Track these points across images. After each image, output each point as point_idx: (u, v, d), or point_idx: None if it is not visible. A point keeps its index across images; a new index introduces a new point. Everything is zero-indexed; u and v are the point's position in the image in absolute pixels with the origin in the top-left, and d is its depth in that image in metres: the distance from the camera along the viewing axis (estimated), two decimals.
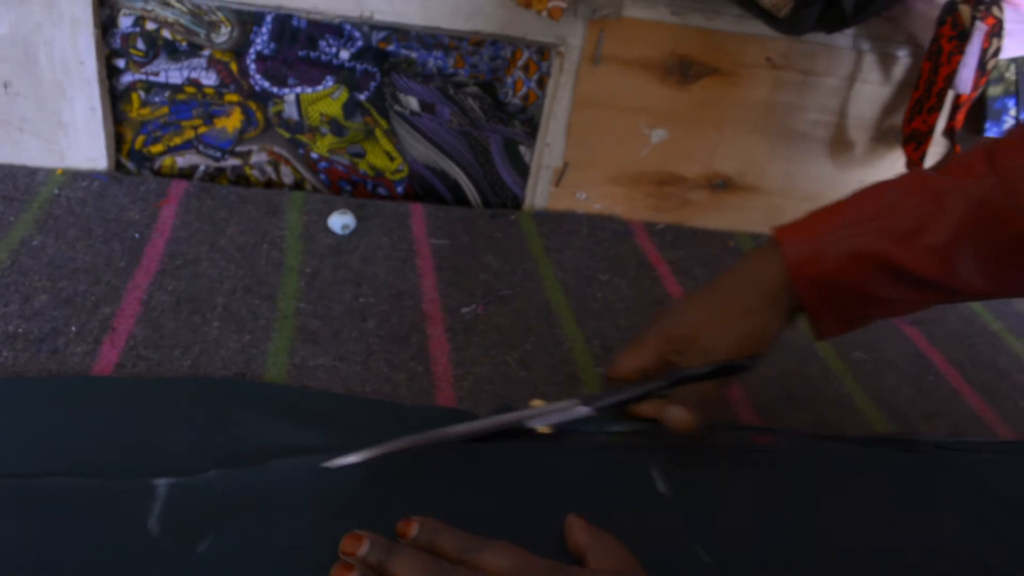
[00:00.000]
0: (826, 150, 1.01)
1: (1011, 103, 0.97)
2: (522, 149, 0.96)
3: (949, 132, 0.94)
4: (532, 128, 0.95)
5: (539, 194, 0.98)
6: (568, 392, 0.68)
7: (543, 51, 0.90)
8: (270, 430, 0.57)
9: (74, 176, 0.86)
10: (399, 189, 0.97)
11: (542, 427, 0.60)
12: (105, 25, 0.84)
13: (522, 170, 0.97)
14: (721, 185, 1.00)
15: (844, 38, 0.94)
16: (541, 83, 0.92)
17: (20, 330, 0.63)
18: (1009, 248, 0.55)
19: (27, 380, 0.59)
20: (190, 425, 0.57)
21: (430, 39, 0.88)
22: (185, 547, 0.48)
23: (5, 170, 0.84)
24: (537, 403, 0.62)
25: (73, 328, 0.65)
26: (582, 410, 0.60)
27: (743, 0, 0.82)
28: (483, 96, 0.92)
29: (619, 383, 0.62)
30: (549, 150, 0.95)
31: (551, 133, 0.93)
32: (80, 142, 0.87)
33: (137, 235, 0.78)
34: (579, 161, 0.96)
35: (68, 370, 0.61)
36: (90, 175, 0.86)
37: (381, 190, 0.97)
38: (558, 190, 0.98)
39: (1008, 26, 0.85)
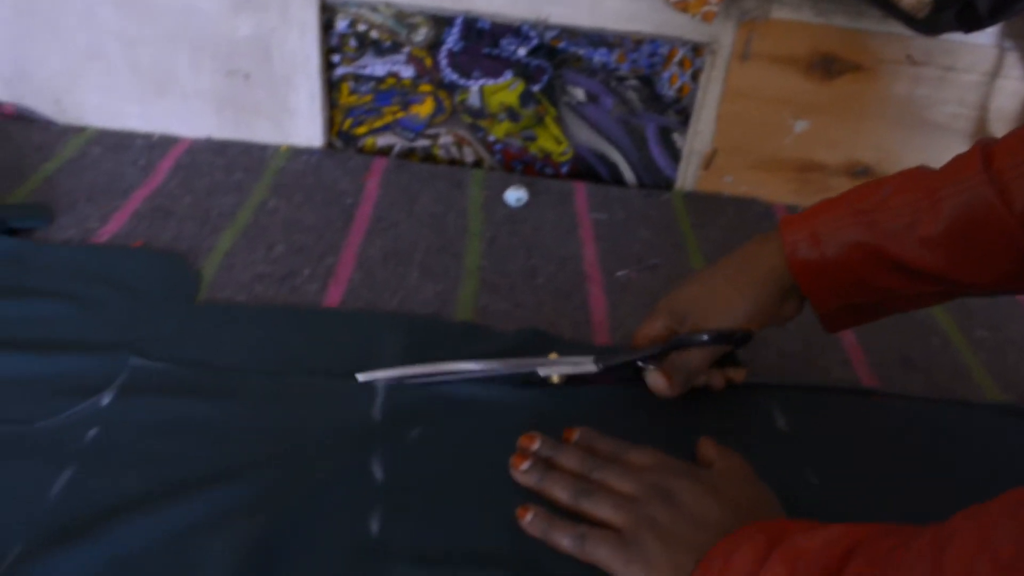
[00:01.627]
0: (965, 142, 1.07)
1: None
2: (675, 136, 1.07)
3: None
4: (685, 117, 1.06)
5: (689, 177, 1.08)
6: None
7: (697, 49, 1.01)
8: (459, 355, 0.71)
9: (296, 152, 1.03)
10: (564, 169, 1.10)
11: (555, 376, 0.68)
12: (325, 27, 1.01)
13: (674, 155, 1.08)
14: (862, 172, 1.08)
15: (986, 35, 1.00)
16: (695, 77, 1.03)
17: (266, 271, 0.80)
18: (1003, 248, 0.56)
19: (276, 308, 0.75)
20: (397, 349, 0.71)
21: (596, 38, 1.01)
22: (401, 432, 0.63)
23: (244, 146, 1.03)
24: (553, 356, 0.69)
25: (306, 271, 0.81)
26: (590, 366, 0.67)
27: (883, 3, 0.90)
28: (642, 88, 1.04)
29: (635, 348, 0.69)
30: (700, 137, 1.05)
31: (702, 122, 1.04)
32: (301, 124, 1.04)
33: (349, 201, 0.94)
34: (727, 148, 1.06)
35: (304, 303, 0.77)
36: (308, 151, 1.04)
37: (548, 170, 1.10)
38: (707, 173, 1.08)
39: None
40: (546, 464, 0.60)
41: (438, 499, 0.58)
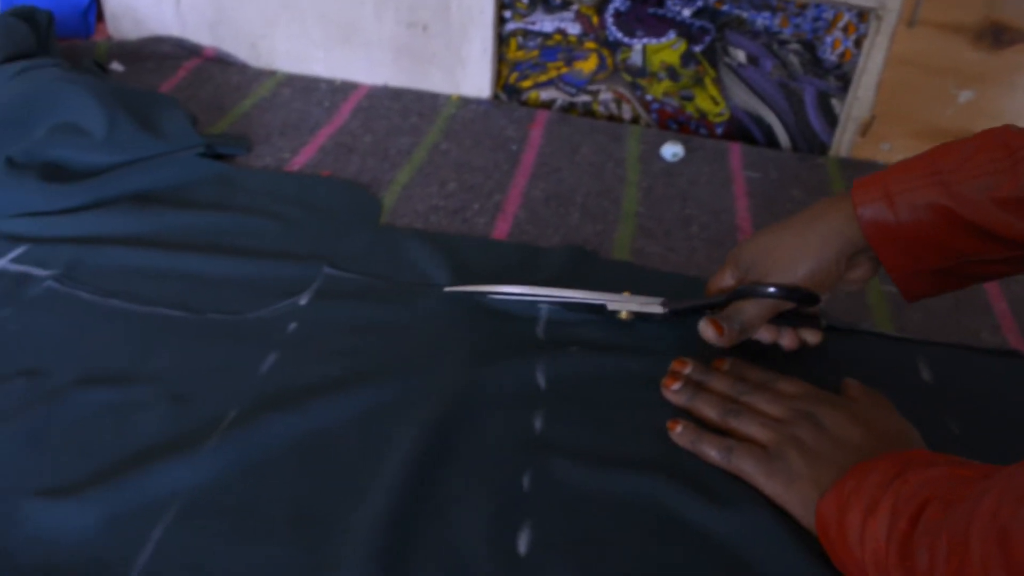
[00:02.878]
0: None
1: None
2: (833, 101, 1.08)
3: None
4: (844, 83, 1.07)
5: (845, 143, 1.09)
6: (858, 303, 0.81)
7: (862, 14, 1.02)
8: (614, 288, 0.76)
9: (465, 101, 1.10)
10: (718, 131, 1.13)
11: (624, 313, 0.71)
12: None
13: (831, 120, 1.09)
14: None
15: None
16: (858, 43, 1.04)
17: (440, 204, 0.87)
18: None
19: (449, 235, 0.82)
20: (560, 278, 0.77)
21: (760, 1, 1.03)
22: (561, 349, 0.68)
23: (419, 94, 1.10)
24: (626, 293, 0.72)
25: (476, 206, 0.88)
26: (657, 308, 0.70)
27: None
28: (803, 52, 1.06)
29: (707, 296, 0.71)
30: (859, 103, 1.06)
31: (862, 88, 1.05)
32: (472, 75, 1.11)
33: (514, 147, 1.00)
34: (886, 115, 1.06)
35: (475, 234, 0.83)
36: (476, 101, 1.10)
37: (703, 131, 1.13)
38: (863, 140, 1.09)
39: None
40: (696, 387, 0.65)
41: (593, 407, 0.64)
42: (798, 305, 0.65)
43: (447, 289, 0.74)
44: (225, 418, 0.59)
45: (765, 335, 0.68)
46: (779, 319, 0.67)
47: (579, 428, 0.62)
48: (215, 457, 0.56)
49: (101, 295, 0.70)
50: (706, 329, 0.65)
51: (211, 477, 0.55)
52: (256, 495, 0.54)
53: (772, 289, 0.63)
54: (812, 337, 0.69)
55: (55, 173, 0.81)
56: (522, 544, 0.53)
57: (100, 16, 1.20)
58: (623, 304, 0.71)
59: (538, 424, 0.61)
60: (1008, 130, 0.57)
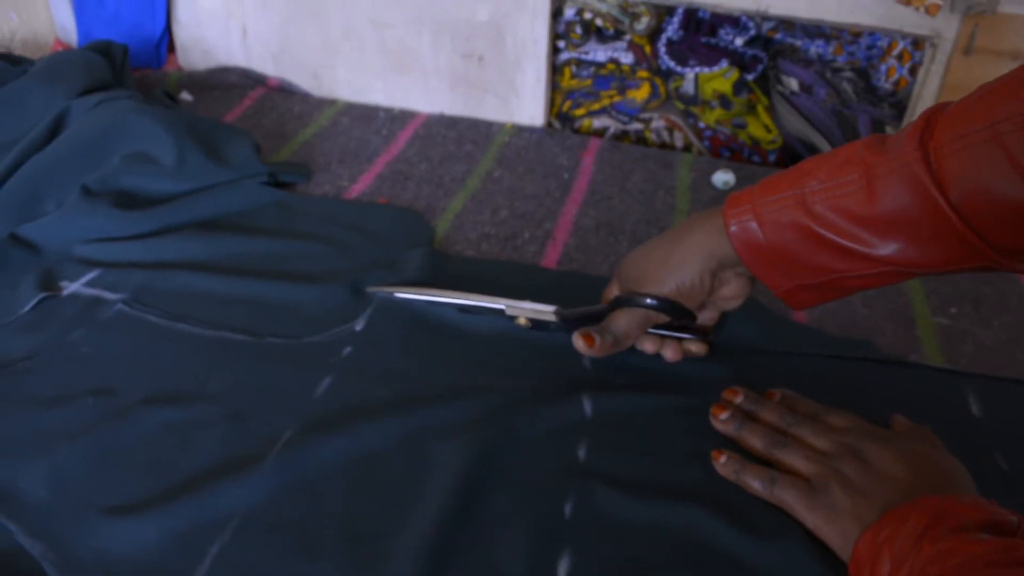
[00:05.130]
0: None
1: None
2: (888, 129, 1.08)
3: None
4: (899, 111, 1.06)
5: None
6: (907, 334, 0.81)
7: (917, 42, 1.01)
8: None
9: (519, 129, 1.12)
10: (771, 158, 1.13)
11: (522, 319, 0.72)
12: (554, 14, 1.09)
13: None
14: None
15: None
16: (912, 71, 1.03)
17: (492, 232, 0.90)
18: (942, 232, 0.52)
19: (500, 262, 0.84)
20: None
21: (814, 29, 1.03)
22: (609, 379, 0.69)
23: (474, 122, 1.13)
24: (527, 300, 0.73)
25: (526, 234, 0.89)
26: (550, 316, 0.71)
27: None
28: (857, 80, 1.06)
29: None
30: None
31: (918, 115, 1.04)
32: (526, 103, 1.13)
33: (566, 175, 1.02)
34: None
35: (524, 261, 0.85)
36: (530, 129, 1.12)
37: (755, 158, 1.14)
38: None
39: None
40: (745, 416, 0.65)
41: (637, 437, 0.65)
42: (674, 318, 0.66)
43: (370, 288, 0.78)
44: (280, 438, 0.61)
45: (648, 346, 0.69)
46: (667, 330, 0.68)
47: (623, 457, 0.63)
48: (270, 476, 0.58)
49: (168, 318, 0.73)
50: (577, 340, 0.66)
51: (266, 496, 0.57)
52: (308, 514, 0.56)
53: (649, 300, 0.64)
54: (696, 348, 0.69)
55: (127, 200, 0.85)
56: (562, 570, 0.54)
57: (171, 48, 1.26)
58: (518, 309, 0.72)
59: (582, 452, 0.63)
60: (868, 144, 0.55)
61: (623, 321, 0.66)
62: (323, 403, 0.65)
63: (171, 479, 0.58)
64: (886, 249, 0.54)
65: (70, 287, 0.77)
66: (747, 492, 0.60)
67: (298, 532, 0.55)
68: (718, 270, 0.63)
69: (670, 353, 0.70)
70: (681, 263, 0.63)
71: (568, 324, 0.70)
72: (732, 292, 0.66)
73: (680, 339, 0.70)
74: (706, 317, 0.69)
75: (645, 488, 0.60)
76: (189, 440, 0.61)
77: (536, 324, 0.72)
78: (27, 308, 0.74)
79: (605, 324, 0.67)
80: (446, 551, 0.54)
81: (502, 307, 0.73)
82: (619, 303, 0.66)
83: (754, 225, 0.58)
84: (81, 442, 0.60)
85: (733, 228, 0.59)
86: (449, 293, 0.75)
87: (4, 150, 0.90)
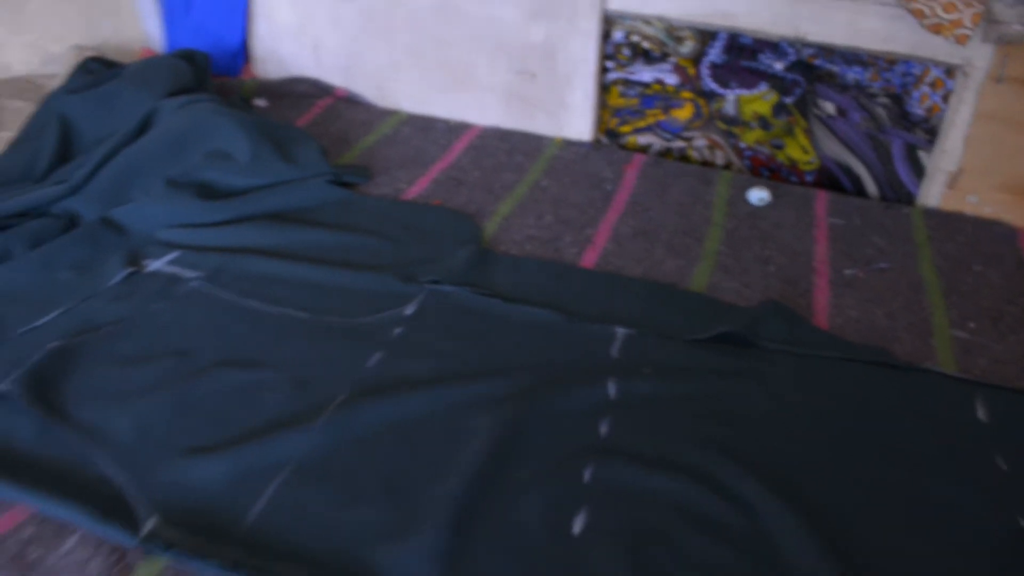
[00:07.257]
0: None
1: None
2: (921, 154, 1.12)
3: None
4: (932, 136, 1.11)
5: (932, 194, 1.13)
6: (924, 344, 0.85)
7: (950, 70, 1.06)
8: (692, 319, 0.82)
9: (567, 143, 1.19)
10: (808, 178, 1.18)
11: None
12: (604, 36, 1.16)
13: (919, 172, 1.14)
14: None
15: None
16: (945, 98, 1.08)
17: (536, 234, 0.97)
18: None
19: (542, 262, 0.91)
20: (639, 304, 0.84)
21: (851, 56, 1.09)
22: (634, 366, 0.75)
23: (526, 135, 1.20)
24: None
25: (568, 238, 0.96)
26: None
27: None
28: (891, 106, 1.11)
29: None
30: (947, 156, 1.10)
31: (950, 141, 1.09)
32: (574, 119, 1.20)
33: (609, 187, 1.08)
34: (974, 169, 1.10)
35: (564, 261, 0.92)
36: (578, 143, 1.19)
37: (793, 178, 1.19)
38: (951, 192, 1.12)
39: None
40: None
41: (658, 419, 0.71)
42: None
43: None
44: (334, 401, 0.69)
45: None
46: None
47: (640, 435, 0.69)
48: (324, 432, 0.66)
49: (239, 295, 0.81)
50: None
51: (319, 448, 0.65)
52: (354, 466, 0.64)
53: None
54: None
55: (206, 192, 0.94)
56: (577, 526, 0.60)
57: (248, 58, 1.36)
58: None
59: (604, 429, 0.69)
60: None
61: None
62: (373, 374, 0.73)
63: (238, 429, 0.66)
64: None
65: (152, 265, 0.85)
66: (746, 474, 0.65)
67: (344, 481, 0.63)
68: None
69: None
70: None
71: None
72: None
73: None
74: None
75: (660, 464, 0.66)
76: (254, 398, 0.69)
77: None
78: (114, 281, 0.82)
79: None
80: (472, 505, 0.61)
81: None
82: None
83: None
84: (161, 395, 0.69)
85: None
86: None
87: (98, 144, 1.00)
